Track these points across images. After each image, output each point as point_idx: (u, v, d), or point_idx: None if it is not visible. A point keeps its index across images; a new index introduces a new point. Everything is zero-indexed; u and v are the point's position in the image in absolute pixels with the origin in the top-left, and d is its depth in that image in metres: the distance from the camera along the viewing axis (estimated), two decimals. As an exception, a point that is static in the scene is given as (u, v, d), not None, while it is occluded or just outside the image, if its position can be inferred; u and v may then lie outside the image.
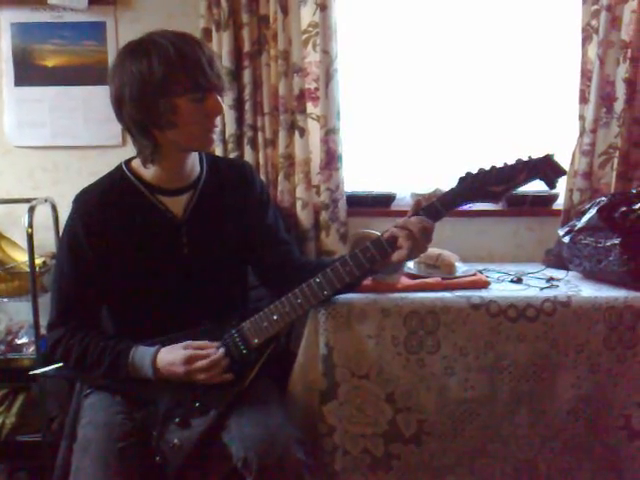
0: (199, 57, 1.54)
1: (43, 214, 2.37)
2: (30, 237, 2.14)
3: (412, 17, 2.44)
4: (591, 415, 1.85)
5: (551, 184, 1.59)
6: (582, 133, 2.32)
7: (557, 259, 2.20)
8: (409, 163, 2.51)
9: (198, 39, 1.61)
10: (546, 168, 1.58)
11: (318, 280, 1.62)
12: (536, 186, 1.66)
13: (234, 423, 1.61)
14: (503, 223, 2.49)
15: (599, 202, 2.04)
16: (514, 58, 2.45)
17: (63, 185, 2.44)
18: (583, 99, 2.31)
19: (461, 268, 2.04)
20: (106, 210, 1.68)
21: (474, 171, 1.60)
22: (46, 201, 2.35)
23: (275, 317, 1.64)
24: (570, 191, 2.36)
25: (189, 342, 1.63)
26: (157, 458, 1.61)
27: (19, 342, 2.25)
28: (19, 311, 2.37)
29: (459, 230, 2.46)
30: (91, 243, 1.67)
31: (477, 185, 1.59)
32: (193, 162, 1.73)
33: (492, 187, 1.58)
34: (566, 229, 2.11)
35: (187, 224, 1.71)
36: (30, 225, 2.14)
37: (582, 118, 2.32)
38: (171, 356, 1.61)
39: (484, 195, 1.60)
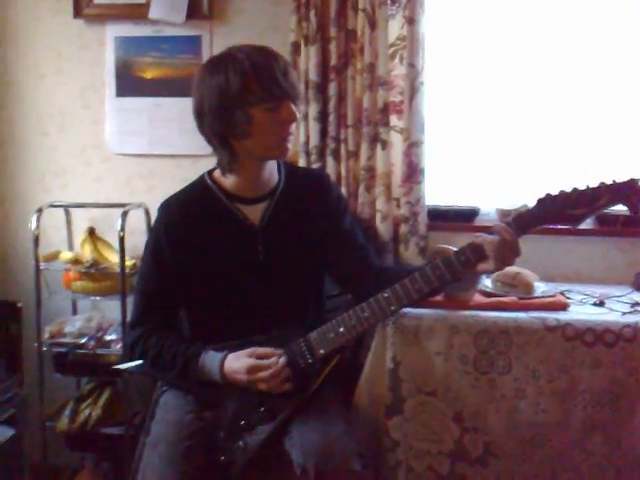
0: (272, 67, 1.60)
1: (138, 219, 2.50)
2: (122, 240, 2.26)
3: (499, 30, 2.40)
4: (672, 449, 1.76)
5: (635, 210, 1.53)
6: (680, 151, 2.21)
7: (647, 283, 2.10)
8: (494, 178, 2.46)
9: (274, 51, 1.67)
10: (630, 193, 1.52)
11: (386, 295, 1.62)
12: None
13: (296, 430, 1.64)
14: (593, 243, 2.39)
15: (692, 225, 1.93)
16: (605, 75, 2.36)
17: (158, 191, 2.55)
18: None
19: (540, 288, 1.99)
20: (188, 218, 1.76)
21: (554, 192, 1.56)
22: (139, 206, 2.48)
23: (341, 329, 1.65)
24: (665, 212, 2.24)
25: (254, 349, 1.67)
26: (222, 458, 1.66)
27: (108, 338, 2.38)
28: (111, 309, 2.49)
29: (546, 248, 2.38)
30: (173, 249, 1.75)
31: (556, 208, 1.55)
32: (271, 171, 1.78)
33: (572, 210, 1.54)
34: (656, 252, 2.01)
35: (264, 232, 1.76)
36: (122, 229, 2.27)
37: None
38: (236, 364, 1.66)
39: (563, 218, 1.56)
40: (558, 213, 1.54)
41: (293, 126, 1.68)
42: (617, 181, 1.52)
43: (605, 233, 2.37)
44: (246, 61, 1.60)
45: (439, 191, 2.48)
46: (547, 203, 1.55)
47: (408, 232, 2.37)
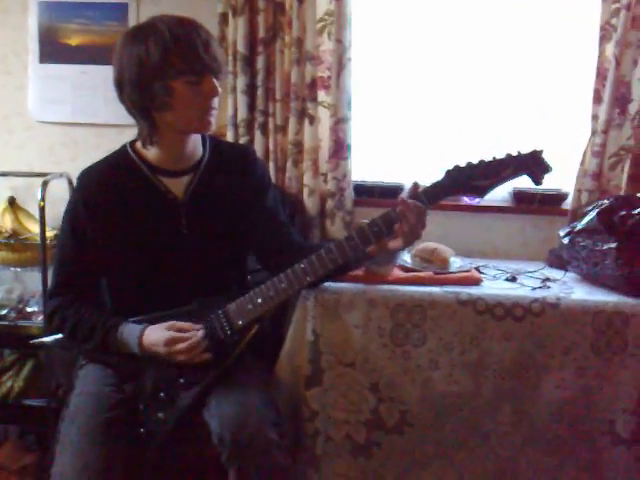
0: (194, 40, 1.58)
1: (60, 188, 2.45)
2: (42, 210, 2.22)
3: (426, 8, 2.43)
4: (575, 418, 1.85)
5: (537, 180, 1.61)
6: (594, 133, 2.29)
7: (558, 260, 2.19)
8: (419, 155, 2.51)
9: (196, 23, 1.64)
10: (533, 164, 1.59)
11: (302, 266, 1.65)
12: (546, 184, 1.67)
13: (214, 401, 1.66)
14: (510, 220, 2.48)
15: (601, 204, 2.01)
16: (529, 52, 2.42)
17: (81, 161, 2.45)
18: (597, 99, 2.28)
19: (456, 264, 2.05)
20: (108, 188, 1.74)
21: (461, 164, 1.61)
22: (61, 176, 2.43)
23: (259, 300, 1.68)
24: (579, 191, 2.33)
25: (173, 323, 1.68)
26: (142, 430, 1.67)
27: (29, 310, 2.35)
28: (33, 280, 2.45)
29: (465, 224, 2.47)
30: (91, 219, 1.73)
31: (463, 179, 1.60)
32: (194, 144, 1.77)
33: (477, 181, 1.60)
34: (567, 230, 2.10)
35: (187, 205, 1.75)
36: (43, 198, 2.23)
37: (595, 118, 2.29)
38: (155, 336, 1.66)
39: (469, 189, 1.62)
40: (465, 184, 1.59)
41: (215, 100, 1.66)
42: (521, 152, 1.58)
43: (522, 211, 2.46)
44: (167, 33, 1.57)
45: (365, 167, 2.51)
46: (454, 174, 1.60)
47: (334, 207, 2.40)
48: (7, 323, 2.33)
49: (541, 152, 1.59)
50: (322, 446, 1.89)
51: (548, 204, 2.44)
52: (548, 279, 2.03)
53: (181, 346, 1.64)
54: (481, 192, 1.61)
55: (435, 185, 1.62)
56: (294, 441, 1.87)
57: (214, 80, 1.63)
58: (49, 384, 2.35)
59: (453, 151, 2.47)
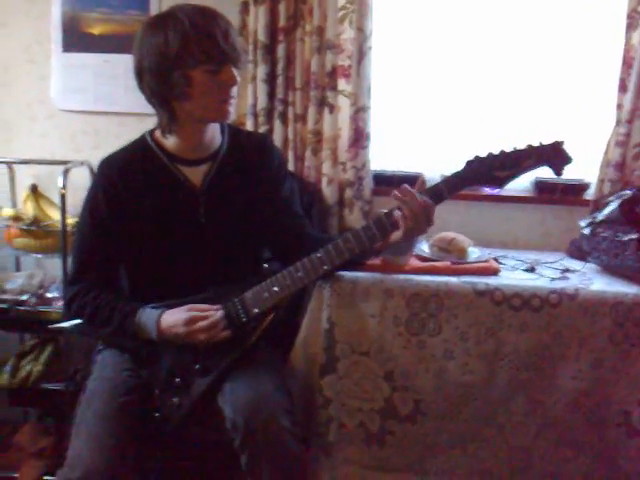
0: (213, 30, 1.58)
1: (82, 176, 2.48)
2: (63, 197, 2.25)
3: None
4: (590, 409, 1.84)
5: (558, 171, 1.59)
6: (618, 122, 2.25)
7: (579, 250, 2.16)
8: (439, 144, 2.49)
9: (216, 12, 1.65)
10: (553, 155, 1.57)
11: (319, 255, 1.66)
12: (568, 174, 1.65)
13: (228, 387, 1.68)
14: (531, 210, 2.45)
15: (623, 195, 1.99)
16: (554, 41, 2.39)
17: (103, 149, 2.46)
18: (622, 88, 2.24)
19: (474, 254, 2.04)
20: (127, 176, 1.76)
21: (482, 155, 1.60)
22: (82, 164, 2.46)
23: (275, 289, 1.69)
24: (601, 182, 2.30)
25: (191, 305, 1.70)
26: (157, 415, 1.70)
27: (49, 296, 2.38)
28: (54, 267, 2.48)
29: (486, 214, 2.45)
30: (110, 208, 1.75)
31: (483, 169, 1.60)
32: (213, 133, 1.78)
33: (497, 172, 1.59)
34: (588, 220, 2.07)
35: (205, 194, 1.77)
36: (64, 186, 2.25)
37: (620, 107, 2.25)
38: (173, 318, 1.68)
39: (489, 180, 1.61)
40: (485, 175, 1.59)
41: (234, 89, 1.67)
42: (543, 143, 1.56)
43: (543, 201, 2.43)
44: (186, 21, 1.58)
45: (384, 156, 2.50)
46: (474, 165, 1.59)
47: (353, 196, 2.40)
48: (28, 308, 2.36)
49: (562, 143, 1.57)
50: (335, 433, 1.90)
51: (570, 194, 2.40)
52: (567, 270, 2.01)
53: (201, 324, 1.66)
54: (501, 183, 1.60)
55: (455, 175, 1.61)
56: (307, 428, 1.88)
57: (233, 69, 1.63)
58: (68, 368, 2.39)
59: (474, 140, 2.45)
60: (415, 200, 1.57)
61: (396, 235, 1.61)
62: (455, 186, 1.61)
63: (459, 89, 2.46)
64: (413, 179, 2.43)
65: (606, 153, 2.30)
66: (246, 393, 1.62)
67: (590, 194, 2.38)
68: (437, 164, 2.46)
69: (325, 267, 1.66)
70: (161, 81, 1.63)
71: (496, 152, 1.60)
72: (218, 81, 1.62)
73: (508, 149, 1.59)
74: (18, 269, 2.62)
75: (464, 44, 2.43)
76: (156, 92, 1.66)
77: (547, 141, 1.58)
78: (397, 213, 1.60)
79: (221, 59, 1.61)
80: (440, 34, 2.43)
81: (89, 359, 1.95)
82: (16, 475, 2.36)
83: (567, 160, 1.56)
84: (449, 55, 2.44)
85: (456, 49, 2.43)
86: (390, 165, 2.51)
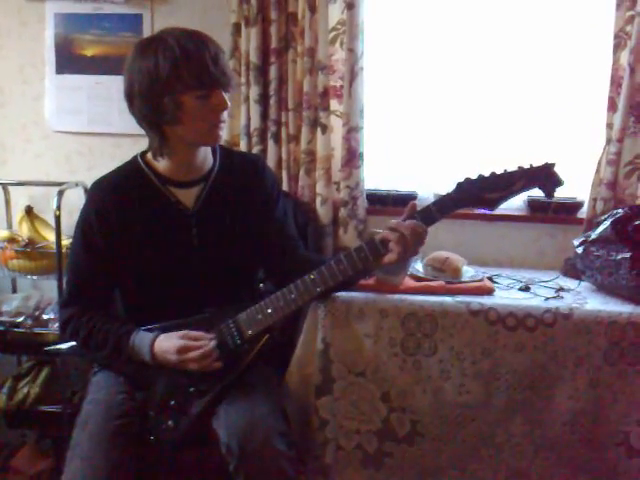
0: (203, 55, 1.58)
1: (77, 197, 2.47)
2: (57, 219, 2.24)
3: (438, 17, 2.42)
4: (588, 429, 1.83)
5: (549, 194, 1.59)
6: (609, 141, 2.27)
7: (573, 269, 2.17)
8: (432, 163, 2.50)
9: (206, 36, 1.64)
10: (544, 177, 1.57)
11: (312, 277, 1.65)
12: (561, 193, 1.65)
13: (223, 410, 1.67)
14: (526, 228, 2.46)
15: (615, 214, 2.00)
16: (543, 61, 2.40)
17: (97, 170, 2.48)
18: (612, 107, 2.26)
19: (468, 273, 2.04)
20: (119, 199, 1.75)
21: (473, 177, 1.61)
22: (77, 185, 2.46)
23: (269, 310, 1.68)
24: (594, 200, 2.31)
25: (186, 332, 1.69)
26: (151, 438, 1.69)
27: (45, 317, 2.37)
28: (51, 288, 2.47)
29: (479, 233, 2.45)
30: (102, 230, 1.74)
31: (474, 191, 1.60)
32: (205, 155, 1.78)
33: (488, 194, 1.59)
34: (581, 239, 2.08)
35: (197, 216, 1.76)
36: (58, 207, 2.25)
37: (609, 126, 2.26)
38: (166, 344, 1.67)
39: (479, 201, 1.61)
40: (476, 196, 1.59)
41: (225, 113, 1.67)
42: (534, 165, 1.56)
43: (537, 219, 2.44)
44: (176, 47, 1.57)
45: (378, 176, 2.51)
46: (465, 187, 1.59)
47: (347, 216, 2.40)
48: (24, 330, 2.35)
49: (553, 165, 1.58)
50: (332, 455, 1.89)
51: (563, 213, 2.41)
52: (562, 289, 2.01)
53: (193, 354, 1.65)
54: (492, 204, 1.60)
55: (446, 197, 1.61)
56: (304, 449, 1.87)
57: (223, 94, 1.63)
58: (65, 390, 2.37)
59: (467, 159, 2.46)
60: (406, 227, 1.57)
61: (389, 257, 1.61)
62: (446, 208, 1.61)
63: (452, 108, 2.47)
64: (407, 198, 2.47)
65: (597, 172, 2.31)
66: (240, 417, 1.61)
67: (583, 212, 2.38)
68: (431, 183, 2.48)
69: (319, 289, 1.66)
70: (151, 106, 1.62)
71: (486, 174, 1.60)
72: (209, 106, 1.62)
73: (499, 171, 1.59)
74: (14, 291, 2.62)
75: (456, 63, 2.44)
76: (147, 116, 1.66)
77: (538, 163, 1.58)
78: (390, 235, 1.59)
79: (211, 84, 1.60)
80: (432, 54, 2.45)
81: (86, 381, 1.93)
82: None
83: (558, 182, 1.57)
84: (441, 74, 2.46)
85: (448, 69, 2.45)
86: (384, 184, 2.52)
